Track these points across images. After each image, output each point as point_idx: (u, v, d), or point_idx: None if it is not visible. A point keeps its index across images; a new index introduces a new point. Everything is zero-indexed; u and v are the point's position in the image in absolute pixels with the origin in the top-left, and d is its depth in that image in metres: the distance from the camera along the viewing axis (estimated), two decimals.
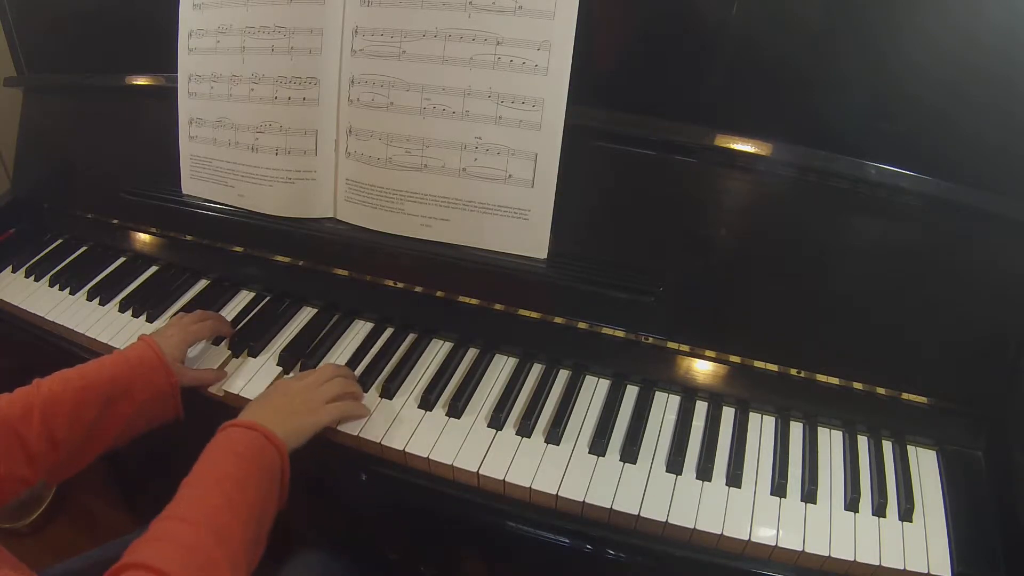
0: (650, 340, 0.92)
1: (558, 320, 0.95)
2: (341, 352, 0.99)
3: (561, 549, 0.81)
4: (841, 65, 0.82)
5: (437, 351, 0.99)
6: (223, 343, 1.01)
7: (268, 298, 1.09)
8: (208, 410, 0.94)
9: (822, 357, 0.87)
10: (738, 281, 0.89)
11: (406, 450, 0.84)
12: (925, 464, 0.84)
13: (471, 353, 0.98)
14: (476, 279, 0.96)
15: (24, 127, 1.35)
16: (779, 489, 0.80)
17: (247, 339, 1.00)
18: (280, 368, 0.97)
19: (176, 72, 1.07)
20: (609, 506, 0.78)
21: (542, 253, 0.92)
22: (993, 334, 0.82)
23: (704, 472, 0.82)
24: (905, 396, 0.86)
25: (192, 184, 1.11)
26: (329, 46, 0.95)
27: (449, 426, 0.87)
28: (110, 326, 1.07)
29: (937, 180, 0.80)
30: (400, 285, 1.01)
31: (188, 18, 1.05)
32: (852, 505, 0.79)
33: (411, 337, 1.01)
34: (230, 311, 1.08)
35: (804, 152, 0.83)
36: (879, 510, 0.78)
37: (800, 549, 0.74)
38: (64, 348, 1.09)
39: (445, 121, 0.91)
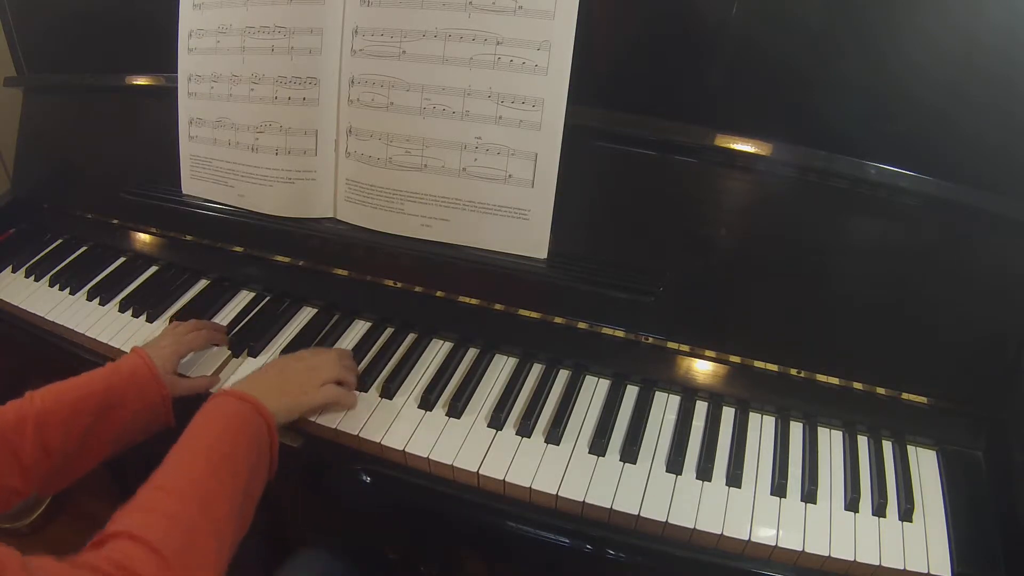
0: (650, 340, 0.92)
1: (558, 320, 0.95)
2: None
3: (561, 549, 0.81)
4: (841, 65, 0.82)
5: (437, 351, 0.99)
6: (224, 350, 1.01)
7: (268, 298, 1.09)
8: None
9: (822, 357, 0.87)
10: (738, 281, 0.89)
11: (406, 450, 0.84)
12: (925, 464, 0.84)
13: (471, 353, 0.98)
14: (476, 279, 0.96)
15: (24, 127, 1.35)
16: (779, 489, 0.80)
17: (247, 339, 1.00)
18: None
19: (176, 72, 1.07)
20: (609, 506, 0.78)
21: (542, 253, 0.92)
22: (993, 334, 0.82)
23: (704, 472, 0.82)
24: (905, 396, 0.86)
25: (192, 184, 1.11)
26: (329, 46, 0.95)
27: (449, 426, 0.87)
28: (110, 326, 1.07)
29: (937, 180, 0.80)
30: (400, 285, 1.01)
31: (188, 18, 1.05)
32: (852, 505, 0.79)
33: (411, 337, 1.01)
34: (230, 311, 1.08)
35: (804, 152, 0.83)
36: (879, 510, 0.78)
37: (800, 549, 0.74)
38: (64, 348, 1.09)
39: (445, 121, 0.91)
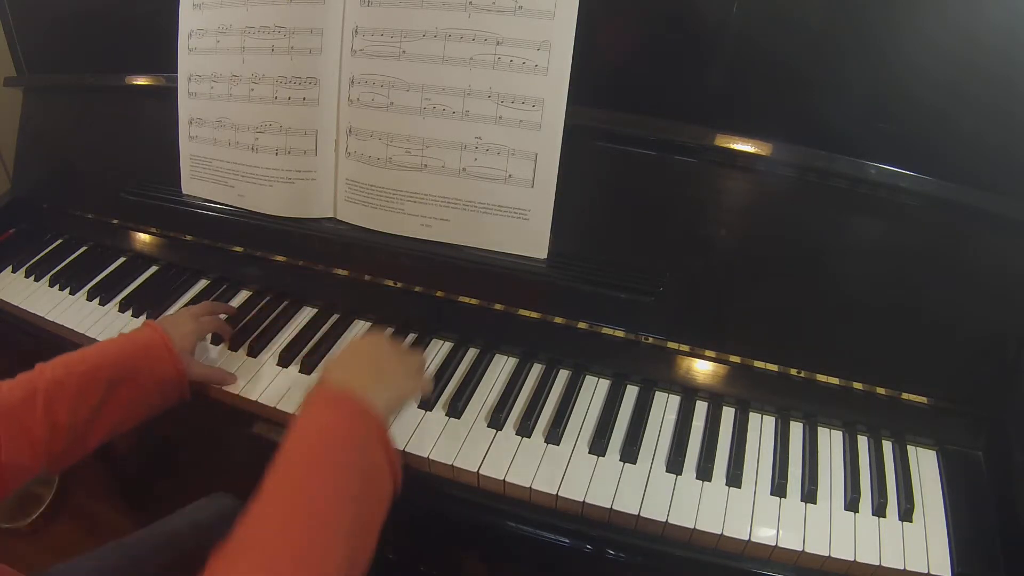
0: (650, 340, 0.92)
1: (558, 320, 0.95)
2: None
3: (561, 549, 0.81)
4: (841, 65, 0.82)
5: (437, 351, 0.99)
6: (222, 344, 1.01)
7: (268, 298, 1.09)
8: (206, 411, 0.94)
9: (822, 357, 0.87)
10: (738, 281, 0.89)
11: (406, 450, 0.84)
12: (925, 464, 0.84)
13: (471, 353, 0.98)
14: (476, 279, 0.96)
15: (24, 127, 1.35)
16: (779, 489, 0.80)
17: (247, 339, 1.00)
18: (280, 367, 0.96)
19: (176, 72, 1.07)
20: (609, 506, 0.78)
21: (542, 253, 0.92)
22: (993, 334, 0.82)
23: (704, 472, 0.82)
24: (905, 396, 0.86)
25: (192, 184, 1.11)
26: (329, 46, 0.95)
27: (449, 426, 0.87)
28: (110, 326, 1.07)
29: (937, 180, 0.80)
30: (400, 285, 1.01)
31: (188, 18, 1.05)
32: (852, 505, 0.79)
33: (411, 337, 1.01)
34: None
35: (804, 152, 0.83)
36: (879, 510, 0.78)
37: (800, 549, 0.74)
38: (64, 348, 1.08)
39: (445, 121, 0.91)
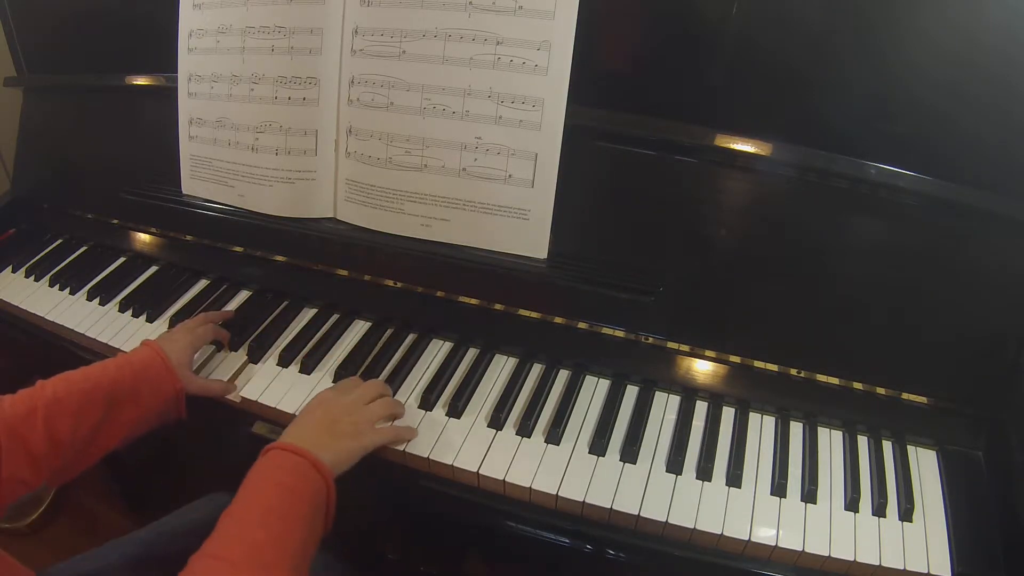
0: (650, 340, 0.92)
1: (558, 320, 0.95)
2: (341, 352, 0.99)
3: (561, 549, 0.81)
4: (841, 65, 0.82)
5: (437, 351, 0.99)
6: (224, 348, 1.01)
7: (268, 298, 1.09)
8: (206, 410, 0.94)
9: (822, 357, 0.87)
10: (738, 281, 0.89)
11: (406, 450, 0.84)
12: (925, 464, 0.84)
13: (471, 353, 0.98)
14: (476, 279, 0.96)
15: (24, 127, 1.35)
16: (779, 489, 0.80)
17: (246, 339, 1.00)
18: (280, 367, 0.96)
19: (176, 72, 1.07)
20: (609, 506, 0.78)
21: (542, 253, 0.92)
22: (993, 334, 0.82)
23: (704, 472, 0.82)
24: (905, 396, 0.86)
25: (192, 184, 1.11)
26: (329, 46, 0.95)
27: (449, 426, 0.87)
28: (110, 326, 1.07)
29: (937, 180, 0.80)
30: (400, 285, 1.01)
31: (188, 18, 1.05)
32: (852, 505, 0.79)
33: (411, 337, 1.01)
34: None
35: (804, 152, 0.83)
36: (879, 510, 0.78)
37: (800, 549, 0.74)
38: (64, 348, 1.09)
39: (445, 121, 0.91)
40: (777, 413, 0.89)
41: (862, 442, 0.86)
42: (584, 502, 0.78)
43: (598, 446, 0.84)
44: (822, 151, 0.83)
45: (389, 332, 1.02)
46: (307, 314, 1.06)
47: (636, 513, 0.77)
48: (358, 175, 0.97)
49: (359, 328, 1.03)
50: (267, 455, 0.73)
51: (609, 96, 0.89)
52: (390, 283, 1.02)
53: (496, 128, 0.89)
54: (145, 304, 1.09)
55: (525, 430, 0.86)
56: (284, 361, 0.97)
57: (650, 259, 0.90)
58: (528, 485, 0.80)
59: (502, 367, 0.96)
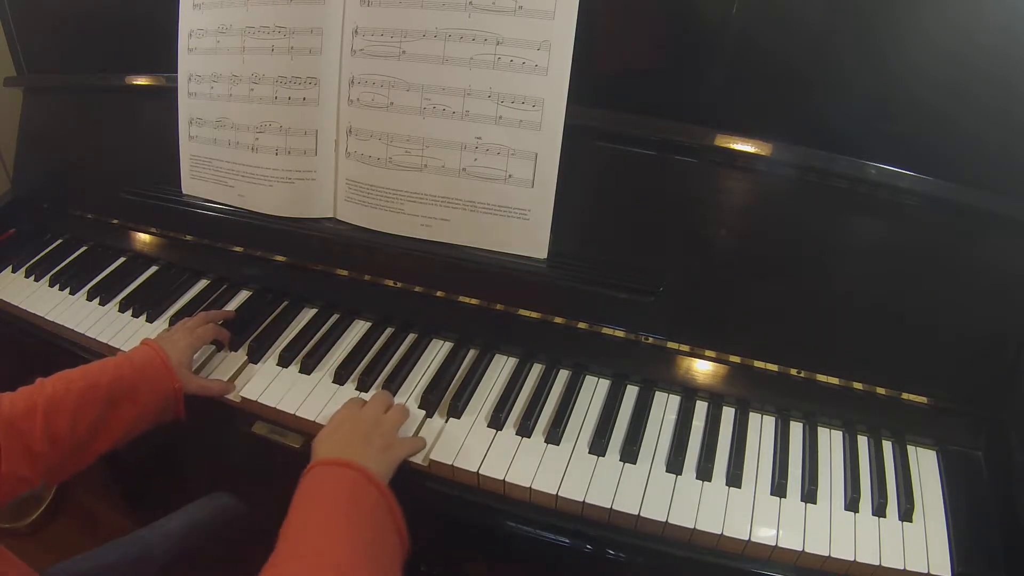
0: (650, 340, 0.92)
1: (558, 320, 0.95)
2: (341, 352, 0.99)
3: (561, 549, 0.81)
4: (841, 65, 0.82)
5: (437, 351, 0.99)
6: (224, 348, 1.01)
7: (268, 298, 1.09)
8: (206, 410, 0.94)
9: (822, 357, 0.87)
10: (738, 281, 0.89)
11: None
12: (925, 464, 0.84)
13: (471, 353, 0.98)
14: (476, 279, 0.96)
15: (24, 127, 1.35)
16: (779, 489, 0.80)
17: (246, 339, 1.00)
18: (280, 367, 0.96)
19: (176, 72, 1.07)
20: (609, 506, 0.78)
21: (542, 253, 0.92)
22: (993, 334, 0.82)
23: (704, 472, 0.82)
24: (905, 396, 0.86)
25: (192, 184, 1.11)
26: (329, 46, 0.95)
27: (449, 426, 0.87)
28: (110, 326, 1.07)
29: (937, 180, 0.80)
30: (400, 285, 1.01)
31: (188, 18, 1.05)
32: (852, 505, 0.79)
33: (411, 337, 1.01)
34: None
35: (804, 152, 0.83)
36: (879, 510, 0.78)
37: (800, 549, 0.74)
38: (64, 348, 1.09)
39: (445, 121, 0.91)
40: (777, 413, 0.89)
41: (862, 442, 0.86)
42: (584, 502, 0.78)
43: (598, 446, 0.84)
44: (822, 151, 0.83)
45: (389, 332, 1.02)
46: (307, 314, 1.06)
47: (636, 513, 0.77)
48: (358, 175, 0.97)
49: (359, 328, 1.03)
50: (315, 472, 0.71)
51: (609, 96, 0.89)
52: (390, 283, 1.02)
53: (496, 128, 0.89)
54: (145, 304, 1.09)
55: (525, 430, 0.86)
56: (284, 361, 0.97)
57: (650, 259, 0.90)
58: (528, 485, 0.80)
59: (502, 367, 0.96)
